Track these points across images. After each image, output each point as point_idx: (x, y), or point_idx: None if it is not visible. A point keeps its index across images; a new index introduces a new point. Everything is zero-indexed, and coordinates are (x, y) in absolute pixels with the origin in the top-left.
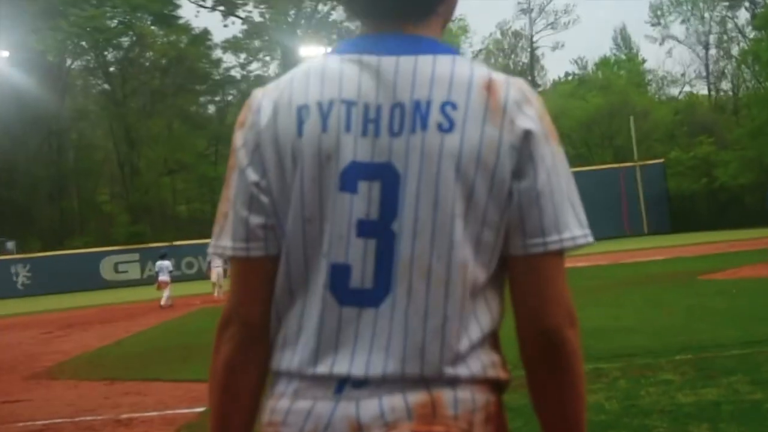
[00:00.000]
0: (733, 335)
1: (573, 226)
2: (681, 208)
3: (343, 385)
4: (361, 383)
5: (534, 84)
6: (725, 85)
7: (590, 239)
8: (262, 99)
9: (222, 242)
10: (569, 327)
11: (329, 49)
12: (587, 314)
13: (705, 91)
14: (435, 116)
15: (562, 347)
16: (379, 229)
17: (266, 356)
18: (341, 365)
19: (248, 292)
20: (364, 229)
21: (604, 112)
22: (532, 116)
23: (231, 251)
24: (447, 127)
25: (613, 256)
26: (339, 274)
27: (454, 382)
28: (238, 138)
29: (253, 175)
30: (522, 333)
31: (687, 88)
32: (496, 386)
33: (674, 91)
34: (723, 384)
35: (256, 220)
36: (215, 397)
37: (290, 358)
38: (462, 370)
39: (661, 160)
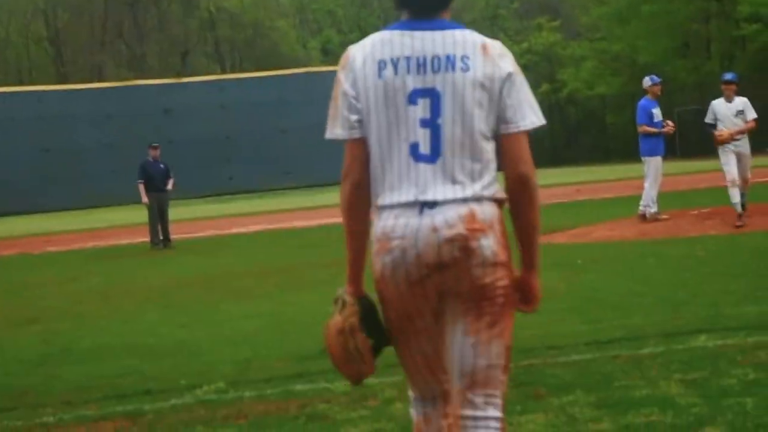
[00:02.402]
0: (574, 331)
1: (532, 117)
2: None
3: (423, 207)
4: (432, 205)
5: None
6: None
7: (543, 122)
8: (355, 53)
9: (336, 131)
10: (531, 171)
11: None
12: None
13: None
14: (459, 63)
15: (529, 182)
16: (430, 123)
17: (367, 194)
18: (421, 195)
19: (353, 157)
20: (423, 123)
21: None
22: (508, 62)
23: (342, 136)
24: (465, 68)
25: None
26: (415, 147)
27: (480, 200)
28: (341, 74)
29: (351, 92)
30: (508, 176)
31: None
32: (499, 203)
33: None
34: (553, 407)
35: (353, 117)
36: (345, 216)
37: (392, 196)
38: (485, 193)
39: None
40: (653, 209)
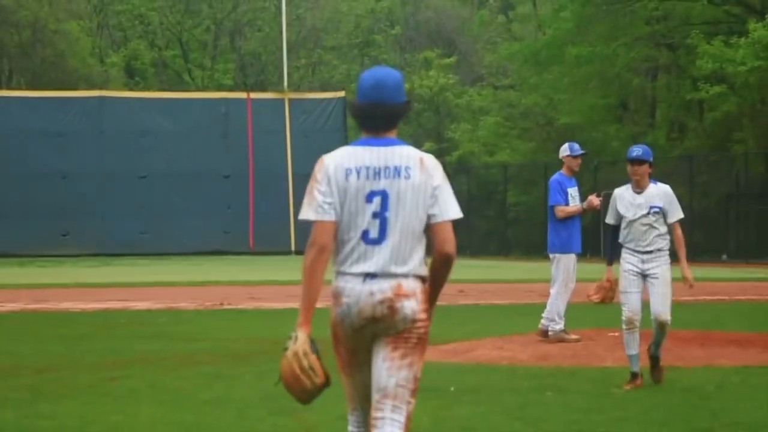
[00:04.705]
0: None
1: (454, 211)
2: None
3: (366, 277)
4: (373, 276)
5: None
6: None
7: (460, 215)
8: (329, 161)
9: (308, 214)
10: (454, 252)
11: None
12: None
13: None
14: (403, 173)
15: (450, 260)
16: (380, 215)
17: (327, 260)
18: (366, 269)
19: (320, 231)
20: (374, 215)
21: None
22: (437, 175)
23: (312, 218)
24: (407, 176)
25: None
26: (366, 233)
27: (407, 276)
28: (318, 174)
29: (325, 189)
30: (435, 253)
31: None
32: (423, 279)
33: None
34: None
35: (325, 206)
36: (306, 277)
37: (344, 266)
38: (411, 271)
39: (341, 94)
40: (558, 325)
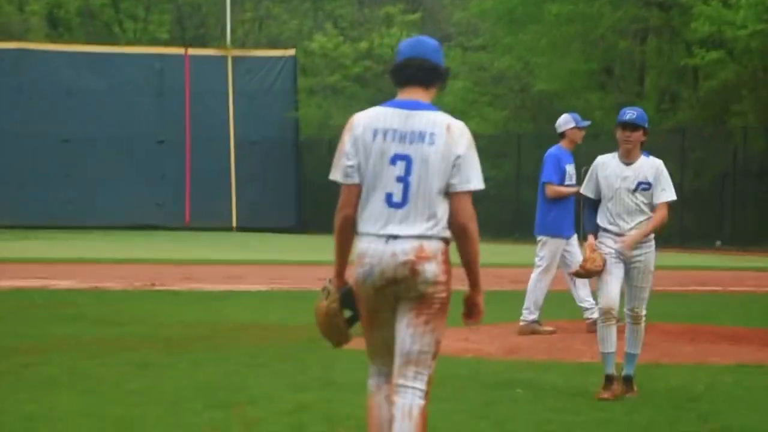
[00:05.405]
0: None
1: (474, 183)
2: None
3: (388, 238)
4: (396, 238)
5: None
6: None
7: (482, 186)
8: (359, 120)
9: (336, 175)
10: (469, 221)
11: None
12: None
13: None
14: (427, 138)
15: (466, 229)
16: (403, 179)
17: (354, 223)
18: (388, 230)
19: (347, 197)
20: (398, 179)
21: None
22: (464, 143)
23: (340, 180)
24: (431, 143)
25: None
26: (389, 196)
27: (429, 237)
28: (346, 135)
29: (351, 150)
30: (452, 224)
31: None
32: (446, 240)
33: None
34: None
35: (349, 169)
36: (337, 237)
37: (368, 228)
38: (433, 232)
39: (292, 53)
40: (532, 315)
